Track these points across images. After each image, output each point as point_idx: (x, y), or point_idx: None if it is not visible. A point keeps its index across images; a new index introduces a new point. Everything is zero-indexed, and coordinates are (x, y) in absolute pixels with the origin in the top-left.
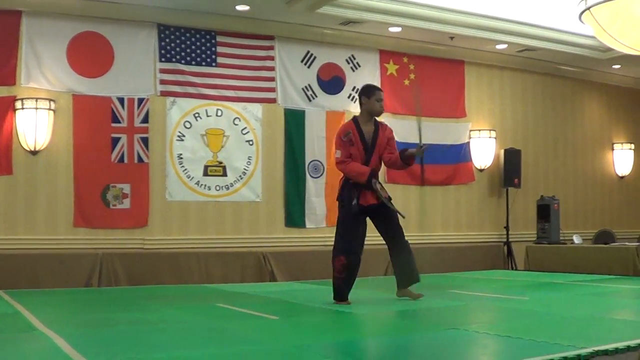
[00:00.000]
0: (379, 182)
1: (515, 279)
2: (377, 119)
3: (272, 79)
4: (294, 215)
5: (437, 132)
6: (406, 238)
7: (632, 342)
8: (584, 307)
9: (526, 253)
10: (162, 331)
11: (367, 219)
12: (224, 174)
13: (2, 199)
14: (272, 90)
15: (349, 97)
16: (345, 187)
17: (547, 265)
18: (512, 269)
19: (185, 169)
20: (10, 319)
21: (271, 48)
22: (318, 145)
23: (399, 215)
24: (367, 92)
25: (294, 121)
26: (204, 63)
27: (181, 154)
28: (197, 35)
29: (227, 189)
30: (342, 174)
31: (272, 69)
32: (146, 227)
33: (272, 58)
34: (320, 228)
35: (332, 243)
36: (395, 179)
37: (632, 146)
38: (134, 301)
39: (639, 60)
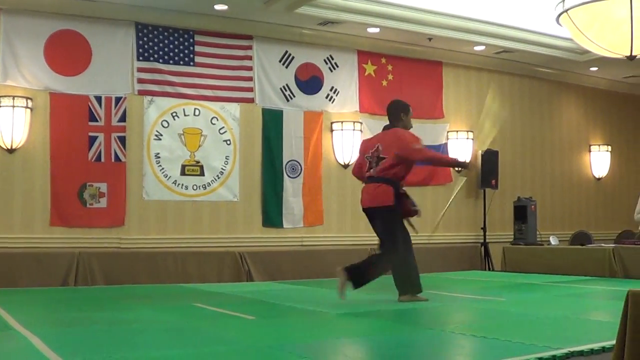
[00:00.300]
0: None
1: (492, 280)
2: None
3: (250, 79)
4: (272, 215)
5: (414, 132)
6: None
7: (607, 343)
8: (559, 308)
9: (503, 254)
10: (138, 331)
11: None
12: (202, 174)
13: None
14: (250, 90)
15: (326, 98)
16: (397, 192)
17: (524, 266)
18: (489, 269)
19: (163, 168)
20: None
21: (249, 48)
22: (296, 145)
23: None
24: (407, 110)
25: (272, 121)
26: (181, 62)
27: (158, 153)
28: (175, 35)
29: (205, 188)
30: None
31: (250, 68)
32: (123, 227)
33: (250, 58)
34: (297, 228)
35: (309, 243)
36: None
37: (609, 148)
38: (110, 301)
39: (616, 62)
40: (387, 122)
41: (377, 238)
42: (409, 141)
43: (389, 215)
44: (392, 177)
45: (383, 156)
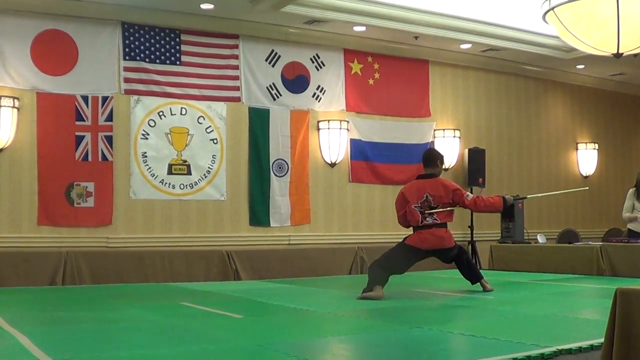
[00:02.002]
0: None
1: None
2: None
3: (237, 78)
4: (259, 214)
5: (401, 131)
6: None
7: (596, 341)
8: (547, 306)
9: (490, 252)
10: (126, 330)
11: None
12: (189, 173)
13: None
14: (237, 89)
15: (313, 96)
16: None
17: (511, 264)
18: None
19: (150, 168)
20: None
21: (235, 47)
22: (282, 144)
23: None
24: (442, 158)
25: (259, 120)
26: (168, 61)
27: (145, 153)
28: (162, 34)
29: (192, 187)
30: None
31: (236, 67)
32: (110, 226)
33: (236, 57)
34: (284, 227)
35: (297, 242)
36: (360, 178)
37: (596, 146)
38: (98, 300)
39: (602, 60)
40: (373, 120)
41: (365, 238)
42: (462, 194)
43: (453, 251)
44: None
45: (435, 205)
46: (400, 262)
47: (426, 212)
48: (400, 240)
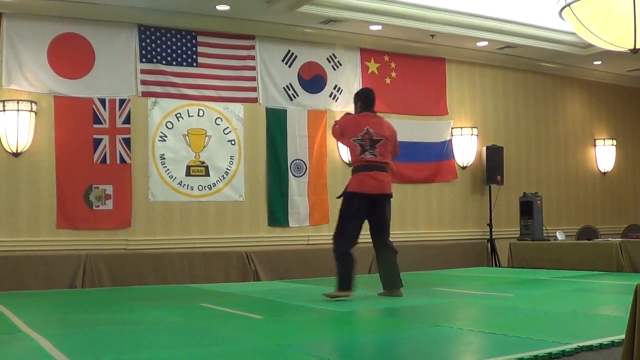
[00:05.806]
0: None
1: (499, 276)
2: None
3: (254, 79)
4: (277, 214)
5: (418, 130)
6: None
7: (617, 338)
8: (567, 303)
9: (509, 250)
10: (146, 331)
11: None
12: (207, 174)
13: None
14: (254, 89)
15: (330, 96)
16: None
17: (531, 261)
18: (496, 265)
19: (168, 170)
20: None
21: (252, 47)
22: (300, 144)
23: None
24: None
25: (276, 120)
26: (185, 63)
27: (163, 155)
28: (178, 36)
29: (210, 188)
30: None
31: (253, 68)
32: (129, 228)
33: (253, 57)
34: (303, 227)
35: (316, 242)
36: None
37: (614, 142)
38: (118, 302)
39: (619, 56)
40: (390, 120)
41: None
42: (396, 137)
43: (390, 202)
44: (389, 164)
45: (377, 138)
46: (355, 226)
47: (367, 146)
48: (418, 240)
